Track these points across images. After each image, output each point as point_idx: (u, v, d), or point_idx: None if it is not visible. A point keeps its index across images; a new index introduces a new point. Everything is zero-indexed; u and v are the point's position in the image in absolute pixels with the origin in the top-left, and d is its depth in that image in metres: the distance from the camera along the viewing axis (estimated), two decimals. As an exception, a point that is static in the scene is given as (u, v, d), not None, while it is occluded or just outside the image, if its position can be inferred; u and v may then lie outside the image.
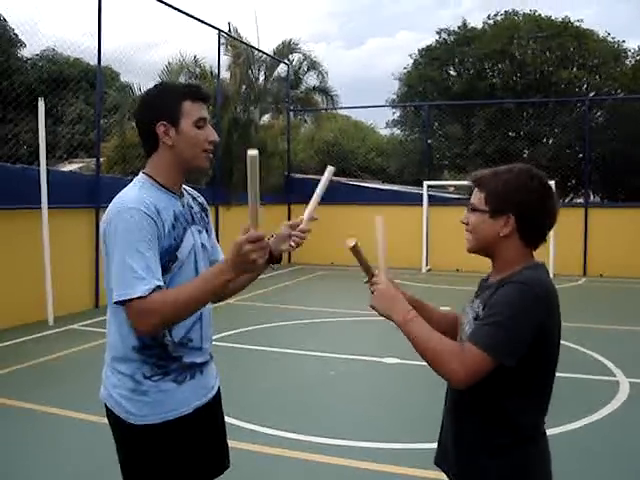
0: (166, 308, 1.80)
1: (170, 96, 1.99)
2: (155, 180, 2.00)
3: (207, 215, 2.21)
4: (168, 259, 1.92)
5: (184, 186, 2.13)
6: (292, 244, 2.16)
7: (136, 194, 1.92)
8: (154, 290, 1.80)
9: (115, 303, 1.84)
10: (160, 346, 1.95)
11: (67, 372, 6.19)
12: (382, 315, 1.86)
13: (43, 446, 4.33)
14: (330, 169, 2.26)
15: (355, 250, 1.88)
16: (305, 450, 4.21)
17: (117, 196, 1.95)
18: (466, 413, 1.87)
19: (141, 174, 2.03)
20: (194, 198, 2.18)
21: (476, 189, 1.90)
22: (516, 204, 1.81)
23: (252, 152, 1.63)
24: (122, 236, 1.84)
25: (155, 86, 2.13)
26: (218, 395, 2.20)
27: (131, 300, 1.79)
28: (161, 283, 1.84)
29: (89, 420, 4.61)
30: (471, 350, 1.69)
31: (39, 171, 8.22)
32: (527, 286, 1.74)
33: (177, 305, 1.81)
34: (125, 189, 1.98)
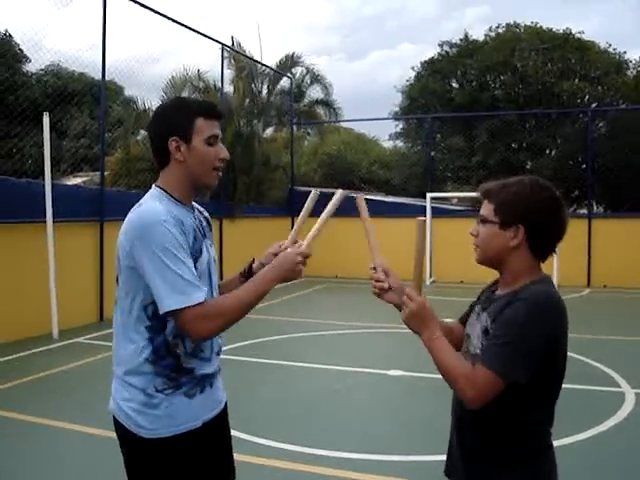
0: (228, 311, 1.90)
1: (184, 112, 2.01)
2: (169, 194, 2.02)
3: (210, 230, 2.23)
4: None
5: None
6: None
7: (161, 207, 1.93)
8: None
9: (168, 313, 1.85)
10: (173, 357, 1.96)
11: (72, 385, 6.19)
12: (412, 330, 1.88)
13: (48, 459, 4.32)
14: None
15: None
16: (310, 463, 4.20)
17: (140, 209, 1.95)
18: (474, 426, 1.87)
19: (155, 188, 2.05)
20: (200, 212, 2.19)
21: (485, 201, 1.91)
22: (526, 215, 1.82)
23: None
24: (161, 247, 1.85)
25: (170, 100, 2.17)
26: (225, 409, 2.20)
27: (190, 307, 1.83)
28: (206, 289, 1.92)
29: (94, 434, 4.61)
30: (483, 373, 1.71)
31: (44, 185, 8.26)
32: (536, 303, 1.75)
33: (237, 308, 1.92)
34: (146, 202, 1.98)
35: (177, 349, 1.96)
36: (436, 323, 1.85)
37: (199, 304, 1.84)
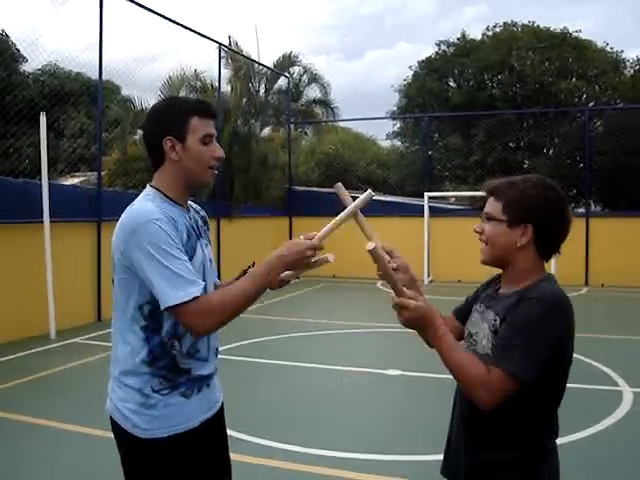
0: (225, 305, 1.86)
1: (178, 112, 2.00)
2: (164, 194, 2.01)
3: (208, 229, 2.22)
4: None
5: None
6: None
7: (154, 206, 1.92)
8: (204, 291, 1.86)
9: (167, 309, 1.84)
10: (169, 357, 1.95)
11: (70, 385, 6.18)
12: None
13: (45, 460, 4.31)
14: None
15: (375, 254, 1.73)
16: (309, 463, 4.19)
17: (131, 210, 1.94)
18: (479, 428, 1.84)
19: (149, 187, 2.03)
20: (197, 212, 2.18)
21: (492, 198, 1.89)
22: (535, 214, 1.81)
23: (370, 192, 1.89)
24: (156, 246, 1.84)
25: (164, 100, 2.14)
26: (222, 409, 2.20)
27: (188, 302, 1.81)
28: (204, 284, 1.89)
29: (91, 434, 4.60)
30: (498, 376, 1.70)
31: (41, 185, 8.25)
32: (548, 302, 1.74)
33: (235, 302, 1.87)
34: (138, 202, 1.97)
35: (173, 350, 1.95)
36: (438, 320, 1.78)
37: (195, 299, 1.82)
